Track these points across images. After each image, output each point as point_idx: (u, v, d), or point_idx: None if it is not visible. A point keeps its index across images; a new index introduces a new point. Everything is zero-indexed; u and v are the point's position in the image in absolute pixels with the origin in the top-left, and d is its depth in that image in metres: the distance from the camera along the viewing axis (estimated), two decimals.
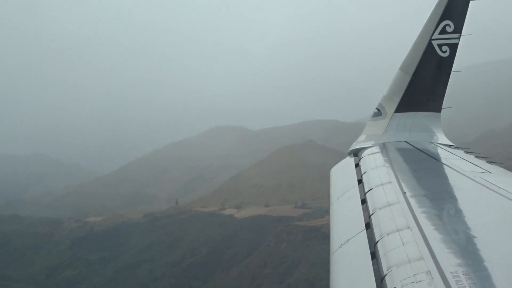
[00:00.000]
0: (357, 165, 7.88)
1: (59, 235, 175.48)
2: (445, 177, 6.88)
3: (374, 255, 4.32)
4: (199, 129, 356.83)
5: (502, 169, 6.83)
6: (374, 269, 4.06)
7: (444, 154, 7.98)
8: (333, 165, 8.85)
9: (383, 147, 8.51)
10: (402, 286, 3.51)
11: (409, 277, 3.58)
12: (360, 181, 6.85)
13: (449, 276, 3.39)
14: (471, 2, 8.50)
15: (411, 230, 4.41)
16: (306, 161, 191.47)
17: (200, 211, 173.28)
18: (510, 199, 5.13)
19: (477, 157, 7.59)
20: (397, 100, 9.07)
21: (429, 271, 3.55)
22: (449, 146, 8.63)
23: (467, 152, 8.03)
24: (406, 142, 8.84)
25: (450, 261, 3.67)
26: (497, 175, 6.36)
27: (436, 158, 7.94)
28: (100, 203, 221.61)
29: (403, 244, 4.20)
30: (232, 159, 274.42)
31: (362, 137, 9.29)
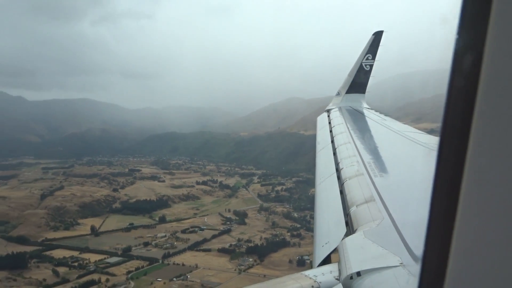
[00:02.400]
0: (328, 116, 13.81)
1: (228, 141, 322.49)
2: (365, 121, 12.28)
3: (335, 153, 7.34)
4: (282, 97, 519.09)
5: (392, 118, 11.79)
6: (335, 160, 6.87)
7: (366, 112, 13.74)
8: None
9: (340, 108, 14.62)
10: (346, 167, 5.90)
11: (350, 163, 6.11)
12: (330, 123, 11.74)
13: (366, 163, 5.82)
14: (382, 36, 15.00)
15: (350, 143, 7.53)
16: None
17: (289, 132, 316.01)
18: (391, 130, 9.00)
19: (381, 113, 13.16)
20: (346, 88, 16.05)
21: (358, 161, 5.98)
22: (368, 108, 14.84)
23: (376, 111, 13.91)
24: (350, 107, 15.19)
25: (367, 156, 6.30)
26: (388, 120, 10.99)
27: (362, 113, 13.57)
28: (244, 128, 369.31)
29: (347, 149, 7.19)
30: (301, 111, 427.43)
31: (331, 104, 16.48)
